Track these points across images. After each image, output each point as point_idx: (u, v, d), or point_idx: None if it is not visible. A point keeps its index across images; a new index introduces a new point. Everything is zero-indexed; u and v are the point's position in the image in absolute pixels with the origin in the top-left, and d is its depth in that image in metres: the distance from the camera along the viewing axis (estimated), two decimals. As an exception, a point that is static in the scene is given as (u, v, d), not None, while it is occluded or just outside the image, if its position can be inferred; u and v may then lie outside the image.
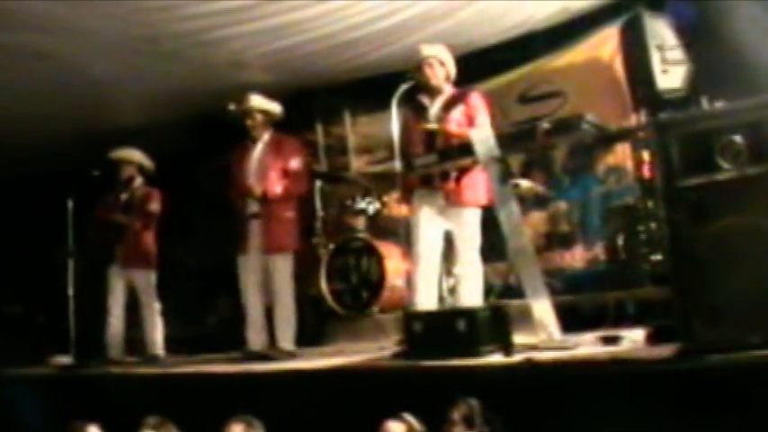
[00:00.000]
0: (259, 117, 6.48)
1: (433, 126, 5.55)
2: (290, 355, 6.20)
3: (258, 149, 6.50)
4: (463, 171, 5.45)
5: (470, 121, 5.53)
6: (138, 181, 7.43)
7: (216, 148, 6.75)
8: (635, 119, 6.92)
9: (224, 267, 6.66)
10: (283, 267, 6.38)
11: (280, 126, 6.62)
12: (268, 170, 6.40)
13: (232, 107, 6.53)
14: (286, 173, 6.42)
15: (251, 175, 6.43)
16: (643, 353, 4.29)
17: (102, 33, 6.58)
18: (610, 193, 7.08)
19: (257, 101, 6.50)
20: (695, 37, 6.47)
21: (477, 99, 5.66)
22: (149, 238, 7.32)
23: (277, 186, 6.35)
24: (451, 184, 5.47)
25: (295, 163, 6.46)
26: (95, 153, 7.37)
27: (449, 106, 5.63)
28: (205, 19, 6.53)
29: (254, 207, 6.38)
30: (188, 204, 8.49)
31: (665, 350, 3.92)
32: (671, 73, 6.60)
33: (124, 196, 7.39)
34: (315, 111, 9.23)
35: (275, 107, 6.57)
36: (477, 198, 5.52)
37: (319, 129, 9.26)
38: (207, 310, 8.61)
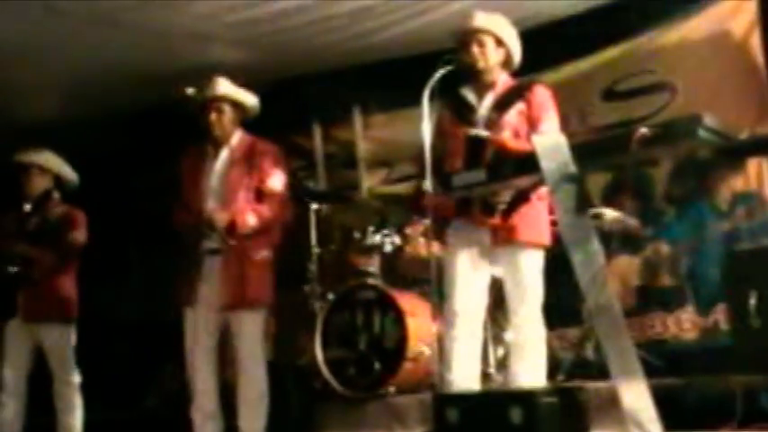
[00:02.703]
0: (228, 111, 6.38)
1: (481, 133, 5.54)
2: None
3: (222, 159, 6.39)
4: (517, 200, 5.44)
5: (532, 125, 5.54)
6: (55, 198, 7.41)
7: (164, 155, 6.71)
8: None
9: (171, 323, 6.60)
10: (252, 328, 6.31)
11: (255, 127, 6.54)
12: (236, 189, 6.30)
13: (191, 92, 6.49)
14: (261, 194, 6.33)
15: (211, 195, 6.34)
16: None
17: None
18: (737, 230, 7.08)
19: (228, 87, 6.40)
20: None
21: (542, 94, 5.67)
22: (67, 280, 7.29)
23: (249, 215, 6.23)
24: (497, 219, 5.45)
25: (276, 181, 6.36)
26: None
27: (503, 104, 5.64)
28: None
29: (212, 242, 6.28)
30: (123, 232, 8.49)
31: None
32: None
33: (34, 219, 7.37)
34: (310, 106, 9.27)
35: (251, 99, 6.51)
36: (538, 235, 5.53)
37: (317, 131, 9.36)
38: (146, 383, 8.62)
